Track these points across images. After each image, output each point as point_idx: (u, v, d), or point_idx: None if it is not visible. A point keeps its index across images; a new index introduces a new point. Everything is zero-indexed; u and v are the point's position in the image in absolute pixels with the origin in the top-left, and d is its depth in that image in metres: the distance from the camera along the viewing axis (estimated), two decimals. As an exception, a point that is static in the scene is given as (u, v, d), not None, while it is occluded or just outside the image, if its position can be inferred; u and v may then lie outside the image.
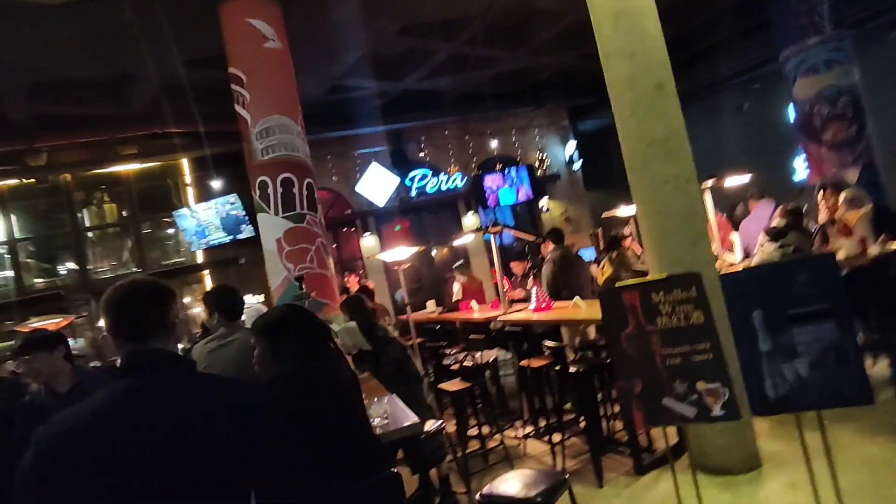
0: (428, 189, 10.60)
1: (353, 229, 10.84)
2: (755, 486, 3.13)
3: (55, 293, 9.04)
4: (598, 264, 6.87)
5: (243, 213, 8.73)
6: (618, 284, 2.64)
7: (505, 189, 10.71)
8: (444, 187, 10.65)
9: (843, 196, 4.54)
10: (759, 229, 5.20)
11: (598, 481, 3.49)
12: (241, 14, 5.08)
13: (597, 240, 6.81)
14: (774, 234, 4.40)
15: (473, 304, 6.16)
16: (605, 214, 7.47)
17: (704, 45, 8.46)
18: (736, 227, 6.15)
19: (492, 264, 10.67)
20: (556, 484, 2.21)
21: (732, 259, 5.87)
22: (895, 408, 3.61)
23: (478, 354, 4.61)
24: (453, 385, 4.03)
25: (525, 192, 10.76)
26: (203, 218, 9.30)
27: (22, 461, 1.01)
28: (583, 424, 3.88)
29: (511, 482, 2.21)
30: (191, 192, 9.93)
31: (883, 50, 7.69)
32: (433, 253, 11.15)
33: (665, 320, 2.48)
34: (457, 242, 8.44)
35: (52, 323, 6.22)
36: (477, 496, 2.26)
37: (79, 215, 9.77)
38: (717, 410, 2.31)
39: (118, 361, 1.28)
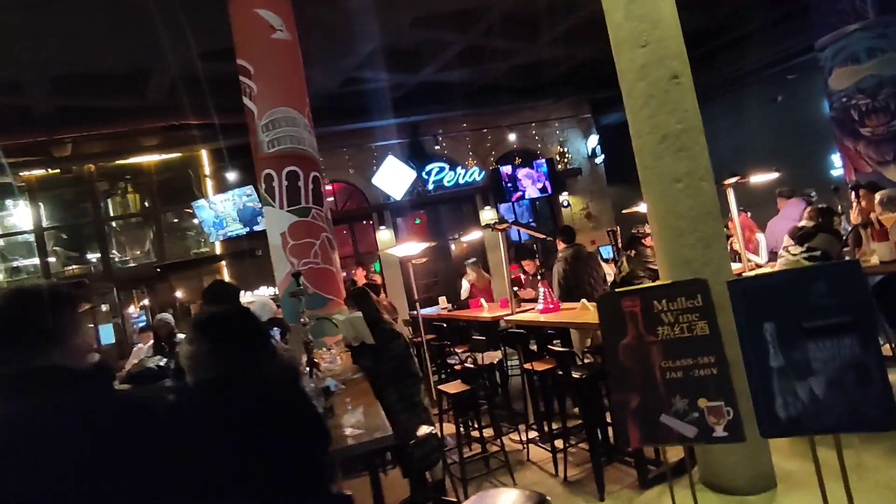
0: (445, 182, 10.47)
1: (369, 222, 10.79)
2: (767, 508, 2.92)
3: (79, 281, 9.26)
4: (616, 263, 6.63)
5: (259, 205, 8.77)
6: (617, 290, 2.46)
7: (524, 183, 10.49)
8: (461, 181, 10.50)
9: (878, 196, 4.22)
10: (788, 230, 4.89)
11: (600, 493, 3.32)
12: (249, 4, 5.01)
13: (615, 237, 6.56)
14: (801, 237, 4.11)
15: (483, 301, 6.02)
16: (625, 210, 7.20)
17: (734, 35, 8.04)
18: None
19: (519, 258, 10.52)
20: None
21: (757, 260, 5.57)
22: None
23: (483, 355, 4.49)
24: (453, 387, 3.91)
25: (544, 187, 10.52)
26: (221, 209, 9.39)
27: None
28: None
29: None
30: (210, 184, 10.03)
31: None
32: (452, 248, 11.02)
33: (667, 330, 2.30)
34: (465, 239, 8.30)
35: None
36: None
37: (102, 205, 9.99)
38: (719, 431, 2.13)
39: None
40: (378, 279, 6.91)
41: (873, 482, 2.82)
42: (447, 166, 10.39)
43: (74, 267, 10.09)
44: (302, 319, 3.81)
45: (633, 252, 5.39)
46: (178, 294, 10.30)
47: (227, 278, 10.04)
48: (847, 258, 4.25)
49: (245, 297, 7.95)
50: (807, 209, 4.77)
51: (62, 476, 0.94)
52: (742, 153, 7.32)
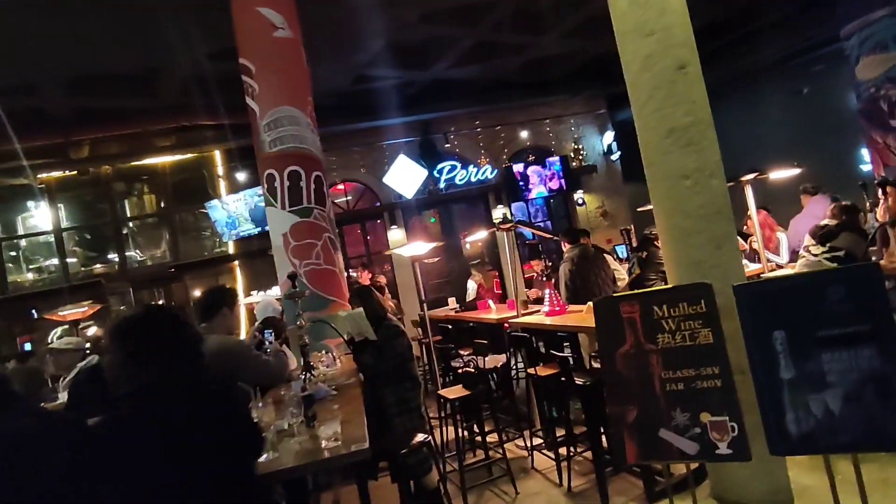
0: (457, 181, 10.34)
1: (380, 221, 10.73)
2: (782, 526, 2.74)
3: (96, 281, 9.41)
4: (629, 263, 6.43)
5: (270, 205, 8.78)
6: (616, 294, 2.31)
7: (537, 181, 10.31)
8: (473, 179, 10.35)
9: (908, 192, 3.96)
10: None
11: (603, 506, 3.17)
12: (250, 2, 4.95)
13: (628, 236, 6.35)
14: (822, 236, 3.87)
15: (491, 303, 5.89)
16: (640, 208, 6.97)
17: (754, 26, 7.72)
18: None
19: (522, 261, 10.36)
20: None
21: (778, 260, 5.32)
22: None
23: (487, 358, 4.36)
24: (453, 392, 3.80)
25: (558, 185, 10.32)
26: (233, 209, 9.44)
27: None
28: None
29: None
30: (223, 184, 10.09)
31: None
32: (468, 246, 10.89)
33: (668, 338, 2.15)
34: (471, 239, 8.19)
35: (78, 312, 6.41)
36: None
37: (119, 206, 10.14)
38: (723, 448, 1.97)
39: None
40: (383, 280, 6.83)
41: (899, 501, 2.62)
42: (459, 165, 10.26)
43: (97, 266, 10.27)
44: (298, 322, 3.74)
45: (645, 253, 5.19)
46: (196, 293, 10.41)
47: (239, 278, 10.11)
48: (873, 259, 3.99)
49: (253, 297, 7.97)
50: (831, 206, 4.52)
51: None
52: (762, 148, 7.02)
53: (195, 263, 10.00)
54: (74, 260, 10.15)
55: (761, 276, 4.92)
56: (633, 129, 3.15)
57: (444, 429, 4.23)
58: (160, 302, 9.77)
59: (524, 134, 10.39)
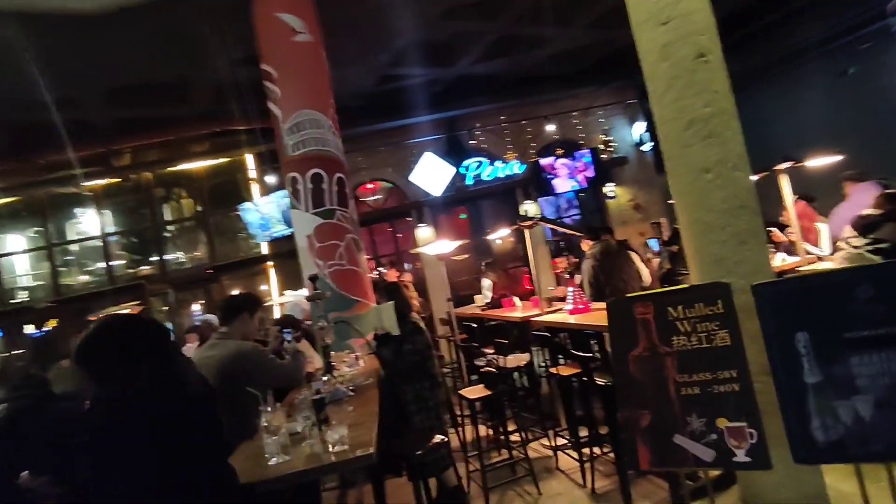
0: (484, 177, 10.27)
1: (409, 220, 10.78)
2: (816, 536, 2.60)
3: (139, 283, 9.84)
4: (660, 257, 6.25)
5: (300, 206, 8.96)
6: (630, 295, 2.24)
7: (566, 175, 10.12)
8: (501, 175, 10.26)
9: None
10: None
11: (627, 509, 3.10)
12: (270, 9, 5.05)
13: (659, 229, 6.16)
14: (864, 227, 3.64)
15: (516, 300, 5.83)
16: (671, 200, 6.75)
17: (792, 7, 7.32)
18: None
19: (553, 255, 10.21)
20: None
21: (818, 252, 5.05)
22: None
23: (509, 357, 4.32)
24: (473, 392, 3.78)
25: (588, 178, 10.10)
26: (265, 211, 9.66)
27: None
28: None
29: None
30: (255, 187, 10.36)
31: None
32: (499, 241, 10.81)
33: (683, 340, 2.07)
34: (493, 237, 8.12)
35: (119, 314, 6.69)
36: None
37: (159, 211, 10.57)
38: (741, 456, 1.88)
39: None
40: (408, 278, 6.87)
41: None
42: (486, 160, 10.19)
43: (142, 268, 10.75)
44: (320, 323, 3.80)
45: (676, 248, 5.03)
46: (234, 293, 10.77)
47: (273, 278, 10.38)
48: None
49: (284, 297, 8.16)
50: (877, 195, 4.25)
51: None
52: (804, 134, 6.66)
53: (231, 264, 10.32)
54: (119, 263, 10.65)
55: (796, 270, 4.70)
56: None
57: (464, 428, 4.23)
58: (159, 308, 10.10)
59: (551, 127, 10.21)
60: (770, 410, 2.07)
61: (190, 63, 7.03)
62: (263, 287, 10.73)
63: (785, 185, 4.59)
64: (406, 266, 10.48)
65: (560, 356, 4.02)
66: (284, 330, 3.23)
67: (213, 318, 5.98)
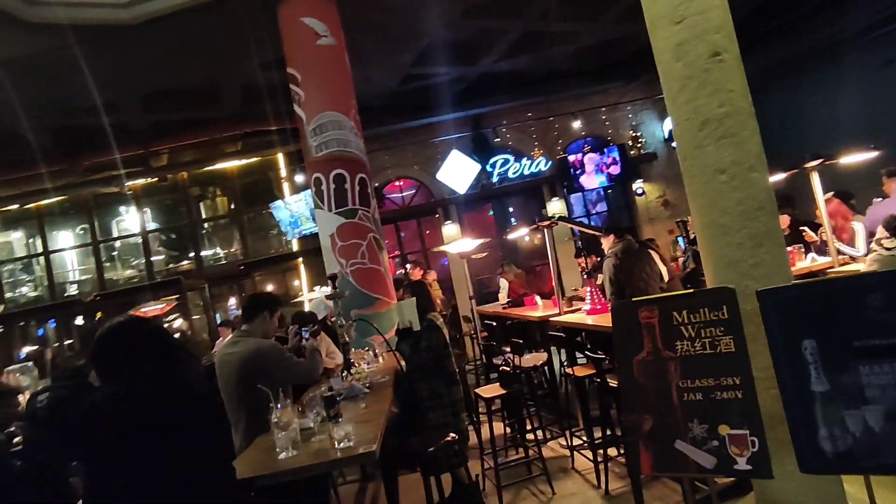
0: (510, 174, 10.25)
1: (436, 217, 10.85)
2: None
3: (177, 278, 10.27)
4: (684, 256, 6.13)
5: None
6: (635, 299, 2.24)
7: (594, 171, 9.99)
8: (527, 172, 10.22)
9: None
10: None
11: (639, 513, 3.08)
12: (295, 13, 5.18)
13: (685, 227, 6.02)
14: (896, 227, 3.49)
15: (538, 299, 5.83)
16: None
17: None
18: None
19: (577, 254, 10.09)
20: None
21: (852, 252, 4.86)
22: None
23: (526, 356, 4.34)
24: (489, 391, 3.82)
25: (616, 174, 9.95)
26: (295, 209, 9.93)
27: None
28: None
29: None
30: (286, 185, 10.64)
31: None
32: (526, 238, 10.78)
33: (687, 345, 2.06)
34: (511, 236, 8.10)
35: (157, 308, 7.02)
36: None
37: (195, 209, 10.98)
38: (742, 463, 1.87)
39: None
40: (431, 277, 6.95)
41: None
42: (512, 158, 10.15)
43: (180, 264, 11.21)
44: (340, 320, 3.91)
45: (701, 246, 4.92)
46: (268, 288, 11.12)
47: (303, 274, 10.65)
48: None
49: (312, 294, 8.36)
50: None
51: None
52: (842, 128, 6.37)
53: (263, 261, 10.64)
54: (159, 258, 11.13)
55: (827, 271, 4.54)
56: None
57: (480, 426, 4.27)
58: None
59: (578, 123, 10.08)
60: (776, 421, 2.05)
61: (221, 67, 7.28)
62: (295, 283, 11.02)
63: (816, 182, 4.43)
64: (433, 263, 10.56)
65: (578, 356, 4.01)
66: (302, 328, 3.34)
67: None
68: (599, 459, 3.55)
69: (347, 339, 3.92)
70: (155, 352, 1.58)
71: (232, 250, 11.29)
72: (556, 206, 10.33)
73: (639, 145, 10.18)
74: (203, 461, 1.53)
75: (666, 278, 4.23)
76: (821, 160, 4.20)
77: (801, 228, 5.44)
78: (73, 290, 10.98)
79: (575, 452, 4.01)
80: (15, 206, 10.04)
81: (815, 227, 5.21)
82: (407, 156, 10.31)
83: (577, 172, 10.00)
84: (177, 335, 10.54)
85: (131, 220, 10.96)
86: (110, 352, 1.56)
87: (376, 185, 10.05)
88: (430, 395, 3.53)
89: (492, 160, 10.13)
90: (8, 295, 10.55)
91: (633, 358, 2.15)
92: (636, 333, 2.16)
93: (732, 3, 2.85)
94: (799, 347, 1.89)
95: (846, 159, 4.43)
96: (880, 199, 4.92)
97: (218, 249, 11.49)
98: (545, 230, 4.85)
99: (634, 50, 8.94)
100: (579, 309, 4.64)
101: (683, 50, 2.80)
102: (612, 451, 3.60)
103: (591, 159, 9.95)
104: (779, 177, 5.14)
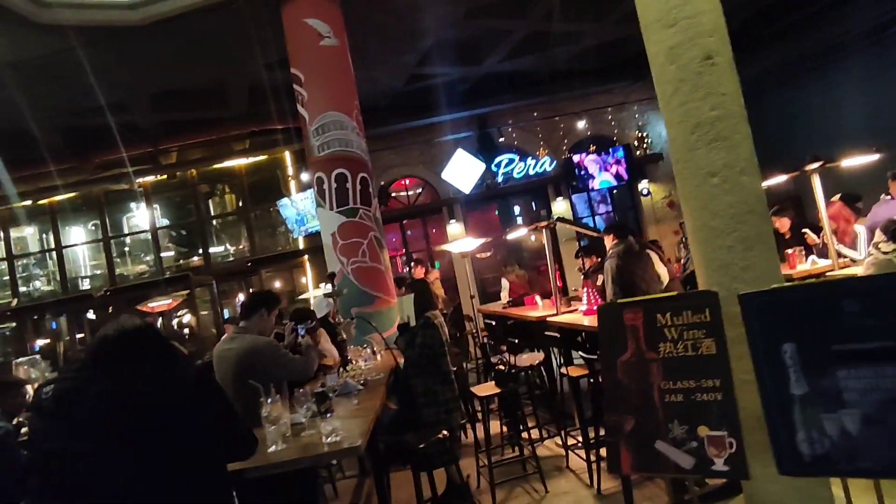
0: (515, 174, 10.26)
1: (441, 216, 10.89)
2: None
3: (185, 275, 10.41)
4: (684, 258, 6.12)
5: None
6: (620, 300, 2.26)
7: (598, 171, 9.97)
8: (532, 172, 10.22)
9: None
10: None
11: (629, 511, 3.11)
12: (299, 14, 5.24)
13: (685, 229, 6.00)
14: (893, 232, 3.47)
15: (538, 299, 5.85)
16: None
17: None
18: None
19: (576, 254, 10.09)
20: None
21: (853, 255, 4.83)
22: None
23: (523, 356, 4.38)
24: (484, 389, 3.87)
25: (621, 175, 9.92)
26: (301, 207, 10.01)
27: None
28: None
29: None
30: (292, 183, 10.74)
31: None
32: (532, 238, 10.79)
33: (669, 347, 2.09)
34: (510, 236, 8.11)
35: (164, 304, 7.13)
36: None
37: (203, 206, 11.12)
38: (719, 464, 1.89)
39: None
40: (433, 275, 6.99)
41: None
42: (517, 157, 10.16)
43: (190, 260, 11.37)
44: (338, 318, 3.97)
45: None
46: (275, 285, 11.25)
47: (309, 271, 10.74)
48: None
49: (317, 290, 8.44)
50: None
51: None
52: (843, 132, 6.31)
53: (270, 258, 10.76)
54: (168, 254, 11.29)
55: (829, 273, 4.52)
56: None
57: (475, 424, 4.31)
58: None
59: (584, 123, 10.07)
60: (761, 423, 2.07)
61: (228, 68, 7.37)
62: (302, 280, 11.13)
63: (817, 184, 4.41)
64: (441, 262, 10.61)
65: (574, 356, 4.04)
66: (298, 325, 3.40)
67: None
68: (593, 459, 3.58)
69: (346, 336, 3.99)
70: (154, 351, 1.65)
71: (240, 247, 11.42)
72: (560, 207, 10.33)
73: (644, 145, 10.14)
74: (203, 461, 1.59)
75: (665, 280, 4.23)
76: (821, 163, 4.19)
77: (802, 231, 5.42)
78: (84, 284, 11.18)
79: (570, 452, 4.05)
80: (28, 203, 10.23)
81: (818, 229, 5.19)
82: (412, 155, 10.36)
83: (582, 173, 9.99)
84: (185, 330, 10.73)
85: (141, 217, 11.12)
86: (110, 352, 1.63)
87: (382, 183, 10.11)
88: (425, 392, 3.58)
89: (497, 160, 10.15)
90: (22, 289, 10.76)
91: (617, 359, 2.17)
92: (621, 334, 2.19)
93: (736, 6, 2.87)
94: (779, 351, 1.91)
95: (847, 162, 4.41)
96: (889, 196, 4.87)
97: (226, 246, 11.63)
98: (544, 231, 4.87)
99: (639, 50, 8.86)
100: (576, 309, 4.66)
101: (676, 53, 2.81)
102: (604, 451, 3.62)
103: (594, 159, 9.93)
104: (779, 179, 5.13)
